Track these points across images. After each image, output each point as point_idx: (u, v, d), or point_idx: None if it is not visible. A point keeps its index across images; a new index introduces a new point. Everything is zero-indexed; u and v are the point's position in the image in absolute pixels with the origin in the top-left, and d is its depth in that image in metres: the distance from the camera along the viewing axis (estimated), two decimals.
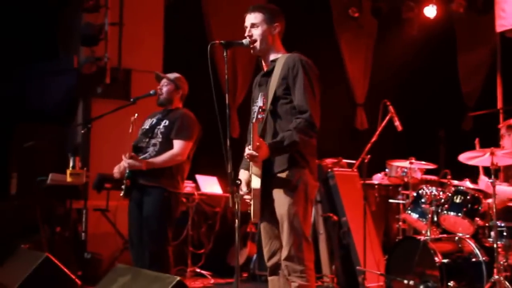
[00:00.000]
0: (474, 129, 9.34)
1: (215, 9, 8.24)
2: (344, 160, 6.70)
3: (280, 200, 3.51)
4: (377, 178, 6.72)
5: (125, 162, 4.65)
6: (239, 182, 3.49)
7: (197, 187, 6.95)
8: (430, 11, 8.98)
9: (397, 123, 6.04)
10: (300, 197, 3.51)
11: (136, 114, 4.76)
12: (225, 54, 3.59)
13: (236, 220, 3.51)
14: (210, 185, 7.09)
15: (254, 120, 3.39)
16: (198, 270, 6.78)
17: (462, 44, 9.94)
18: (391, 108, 6.05)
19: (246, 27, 3.72)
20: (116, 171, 4.81)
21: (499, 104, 8.35)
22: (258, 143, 3.36)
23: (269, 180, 3.51)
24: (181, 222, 6.62)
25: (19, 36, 7.30)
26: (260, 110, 3.38)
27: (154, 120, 4.97)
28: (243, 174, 3.69)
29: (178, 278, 3.89)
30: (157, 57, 7.60)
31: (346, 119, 9.53)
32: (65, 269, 5.18)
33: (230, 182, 3.46)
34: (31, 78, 7.49)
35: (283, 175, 3.51)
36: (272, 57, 3.73)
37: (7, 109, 7.18)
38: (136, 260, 4.82)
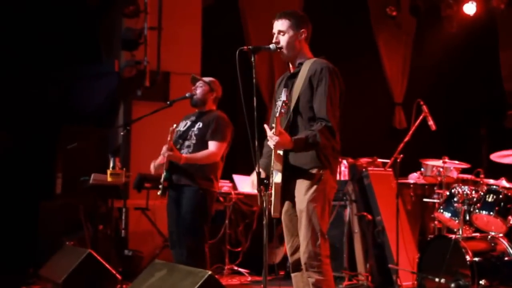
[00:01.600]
0: None
1: (252, 11, 8.37)
2: (380, 160, 6.74)
3: (300, 197, 3.66)
4: (413, 177, 6.73)
5: (164, 152, 4.82)
6: (266, 182, 3.68)
7: (234, 187, 7.09)
8: (470, 8, 8.89)
9: (430, 122, 6.05)
10: (319, 195, 3.65)
11: (174, 125, 4.96)
12: (252, 59, 3.73)
13: (264, 218, 3.68)
14: (247, 184, 7.22)
15: (277, 114, 3.51)
16: (235, 268, 6.93)
17: (504, 40, 9.75)
18: (424, 107, 6.06)
19: (274, 34, 3.85)
20: (152, 167, 5.01)
21: None
22: (280, 131, 3.51)
23: (291, 178, 3.66)
24: (219, 221, 6.78)
25: (64, 40, 7.59)
26: (284, 104, 3.50)
27: (188, 122, 5.14)
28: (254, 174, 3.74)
29: (210, 272, 4.06)
30: (195, 60, 7.78)
31: (384, 118, 9.53)
32: (107, 265, 5.40)
33: (258, 181, 3.62)
34: (75, 81, 7.78)
35: (305, 174, 3.65)
36: (299, 61, 3.85)
37: (52, 111, 7.48)
38: (178, 260, 5.01)
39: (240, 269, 6.90)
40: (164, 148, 4.84)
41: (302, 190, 3.64)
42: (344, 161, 6.62)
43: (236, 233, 7.07)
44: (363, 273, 6.21)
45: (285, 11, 3.91)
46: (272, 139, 3.52)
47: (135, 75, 7.28)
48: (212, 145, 4.94)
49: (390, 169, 6.53)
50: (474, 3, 8.85)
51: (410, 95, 9.32)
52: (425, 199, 6.52)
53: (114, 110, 7.62)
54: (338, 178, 6.55)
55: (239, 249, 7.06)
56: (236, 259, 7.00)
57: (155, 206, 6.80)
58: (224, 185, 6.84)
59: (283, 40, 3.80)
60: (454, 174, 6.16)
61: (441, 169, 6.01)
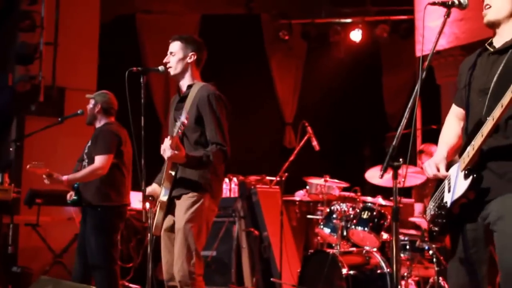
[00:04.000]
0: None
1: (149, 32, 8.56)
2: (268, 177, 7.08)
3: (179, 216, 3.88)
4: (299, 195, 7.10)
5: (46, 181, 4.87)
6: (151, 199, 3.91)
7: None
8: (356, 35, 9.46)
9: (314, 143, 6.46)
10: (197, 216, 3.87)
11: (35, 162, 4.91)
12: (141, 79, 3.94)
13: (149, 234, 3.92)
14: (139, 200, 7.32)
15: (175, 134, 3.67)
16: (126, 283, 7.00)
17: (387, 66, 10.35)
18: (309, 128, 6.47)
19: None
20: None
21: (418, 125, 8.87)
22: (179, 145, 3.67)
23: (174, 199, 3.90)
24: None
25: None
26: (182, 126, 3.65)
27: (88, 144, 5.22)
28: (152, 187, 4.04)
29: None
30: (92, 77, 7.82)
31: (275, 138, 9.92)
32: None
33: (143, 198, 3.85)
34: None
35: (186, 196, 3.88)
36: (187, 82, 4.06)
37: None
38: (75, 276, 5.07)
39: (131, 285, 6.98)
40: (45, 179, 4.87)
41: (182, 209, 3.86)
42: (234, 179, 6.91)
43: (128, 249, 7.15)
44: (249, 287, 6.48)
45: (181, 35, 4.13)
46: (168, 150, 3.65)
47: (29, 90, 7.25)
48: (96, 159, 4.90)
49: (277, 187, 6.87)
50: (360, 31, 9.43)
51: (300, 115, 9.77)
52: (309, 216, 6.90)
53: (6, 125, 7.54)
54: (228, 195, 6.85)
55: (131, 264, 7.14)
56: (128, 275, 7.08)
57: (46, 222, 6.78)
58: None
59: (172, 60, 4.01)
60: (336, 192, 6.56)
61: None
